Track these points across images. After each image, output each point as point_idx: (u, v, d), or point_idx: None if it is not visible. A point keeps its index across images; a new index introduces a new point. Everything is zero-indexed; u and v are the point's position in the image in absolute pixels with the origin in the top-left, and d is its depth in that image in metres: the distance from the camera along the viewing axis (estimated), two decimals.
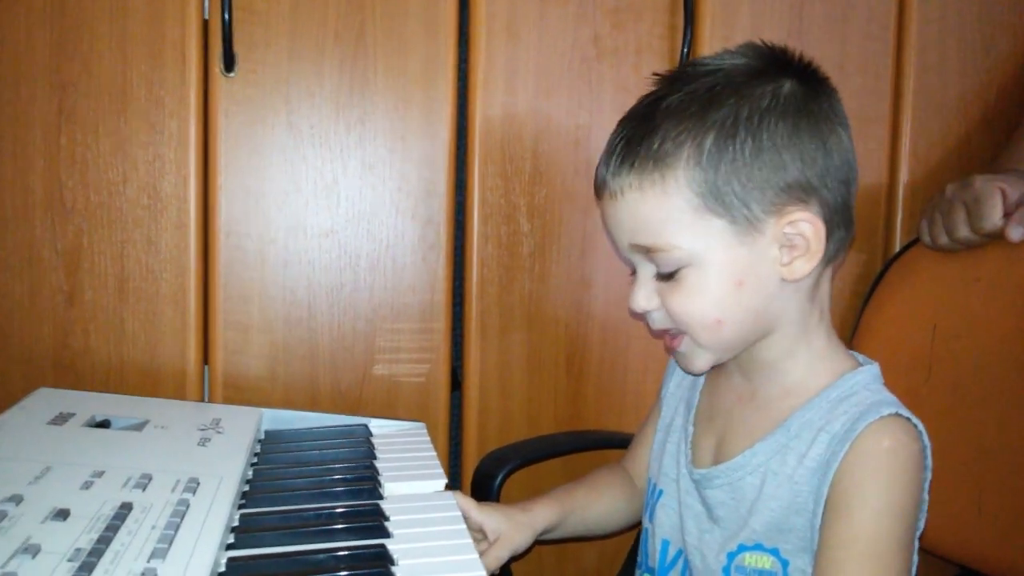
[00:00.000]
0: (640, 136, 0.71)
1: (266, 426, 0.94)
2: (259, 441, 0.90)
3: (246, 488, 0.76)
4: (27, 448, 0.74)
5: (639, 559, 0.87)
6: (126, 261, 1.01)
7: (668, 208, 0.69)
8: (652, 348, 1.15)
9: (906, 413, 0.70)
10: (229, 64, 1.01)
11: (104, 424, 0.84)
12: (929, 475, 0.72)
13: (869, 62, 1.17)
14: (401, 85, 1.06)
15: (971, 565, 0.99)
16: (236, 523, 0.68)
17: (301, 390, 1.06)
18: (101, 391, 0.99)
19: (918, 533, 0.72)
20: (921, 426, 0.71)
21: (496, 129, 1.08)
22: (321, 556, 0.62)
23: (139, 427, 0.84)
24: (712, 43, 1.12)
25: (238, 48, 1.02)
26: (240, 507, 0.72)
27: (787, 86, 0.70)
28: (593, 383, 1.13)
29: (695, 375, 0.78)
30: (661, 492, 0.84)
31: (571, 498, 0.87)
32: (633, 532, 1.06)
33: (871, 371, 0.76)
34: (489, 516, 0.80)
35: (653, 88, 0.75)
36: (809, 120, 0.70)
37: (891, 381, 1.06)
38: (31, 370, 1.00)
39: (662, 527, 0.83)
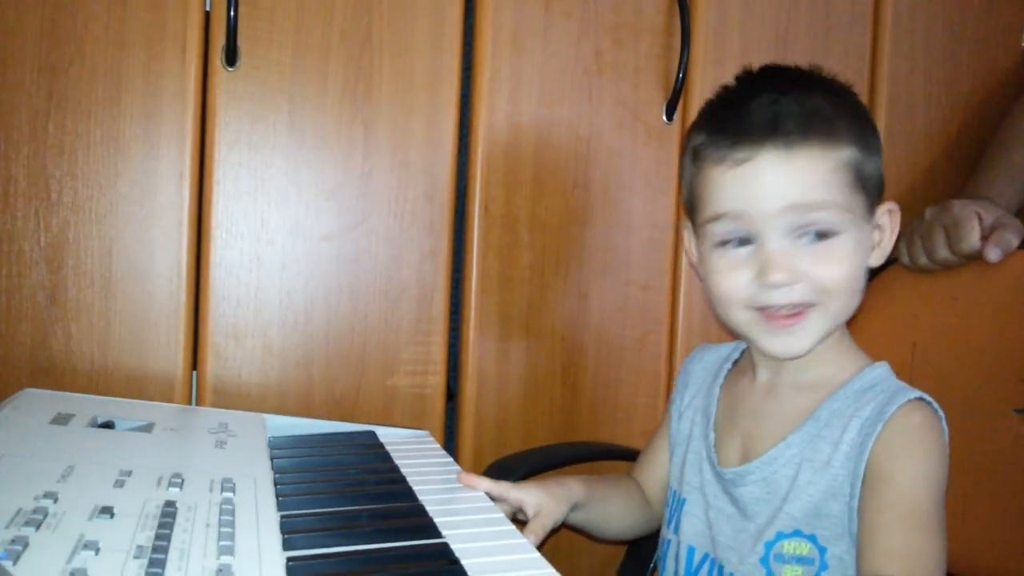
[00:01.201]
0: (803, 99, 0.74)
1: (271, 431, 0.90)
2: (268, 446, 0.86)
3: (274, 490, 0.72)
4: (39, 447, 0.69)
5: (660, 572, 0.87)
6: (114, 259, 0.96)
7: (838, 172, 0.73)
8: (644, 362, 1.16)
9: (929, 398, 0.75)
10: (231, 58, 0.98)
11: (108, 425, 0.79)
12: (948, 450, 0.76)
13: None
14: (406, 90, 1.04)
15: (956, 570, 1.03)
16: (279, 524, 0.65)
17: (295, 397, 1.02)
18: (84, 394, 0.93)
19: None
20: (941, 412, 0.76)
21: (499, 138, 1.08)
22: (385, 556, 0.59)
23: (147, 429, 0.79)
24: (705, 64, 1.16)
25: (241, 42, 0.98)
26: (277, 508, 0.68)
27: None
28: (588, 396, 1.13)
29: (794, 357, 0.77)
30: (684, 501, 0.85)
31: (598, 484, 0.88)
32: (621, 547, 1.06)
33: (886, 366, 0.80)
34: (528, 492, 0.80)
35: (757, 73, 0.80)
36: None
37: None
38: (5, 371, 0.93)
39: (687, 535, 0.84)
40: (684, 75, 1.14)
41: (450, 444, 1.10)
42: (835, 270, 0.73)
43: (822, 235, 0.73)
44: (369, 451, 0.85)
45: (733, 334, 0.83)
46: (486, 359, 1.09)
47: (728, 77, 1.16)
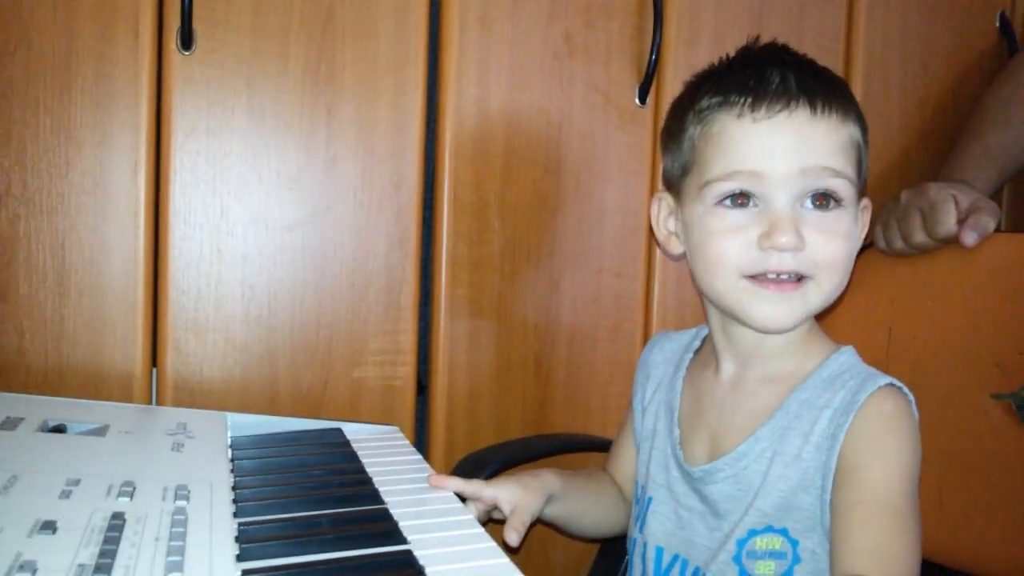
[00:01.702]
0: (820, 72, 0.75)
1: (230, 431, 0.87)
2: (229, 446, 0.83)
3: (232, 496, 0.69)
4: None
5: (628, 572, 0.85)
6: (68, 252, 0.92)
7: (850, 147, 0.74)
8: (618, 351, 1.14)
9: (899, 384, 0.73)
10: (187, 41, 0.94)
11: (60, 429, 0.75)
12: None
13: None
14: (370, 73, 1.01)
15: (932, 558, 1.03)
16: (236, 533, 0.62)
17: (259, 393, 0.99)
18: (38, 395, 0.89)
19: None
20: (912, 397, 0.74)
21: (467, 123, 1.05)
22: (343, 566, 0.57)
23: (100, 432, 0.76)
24: (678, 46, 1.14)
25: (197, 24, 0.94)
26: (234, 515, 0.65)
27: None
28: (561, 386, 1.11)
29: (778, 331, 0.74)
30: (651, 499, 0.83)
31: (571, 477, 0.86)
32: (593, 545, 1.05)
33: (852, 351, 0.79)
34: (503, 488, 0.78)
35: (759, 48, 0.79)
36: None
37: None
38: None
39: (654, 535, 0.82)
40: (657, 56, 1.11)
41: (421, 437, 1.07)
42: (837, 242, 0.72)
43: (824, 205, 0.72)
44: (335, 450, 0.83)
45: (712, 313, 0.81)
46: (457, 350, 1.06)
47: (702, 58, 1.14)
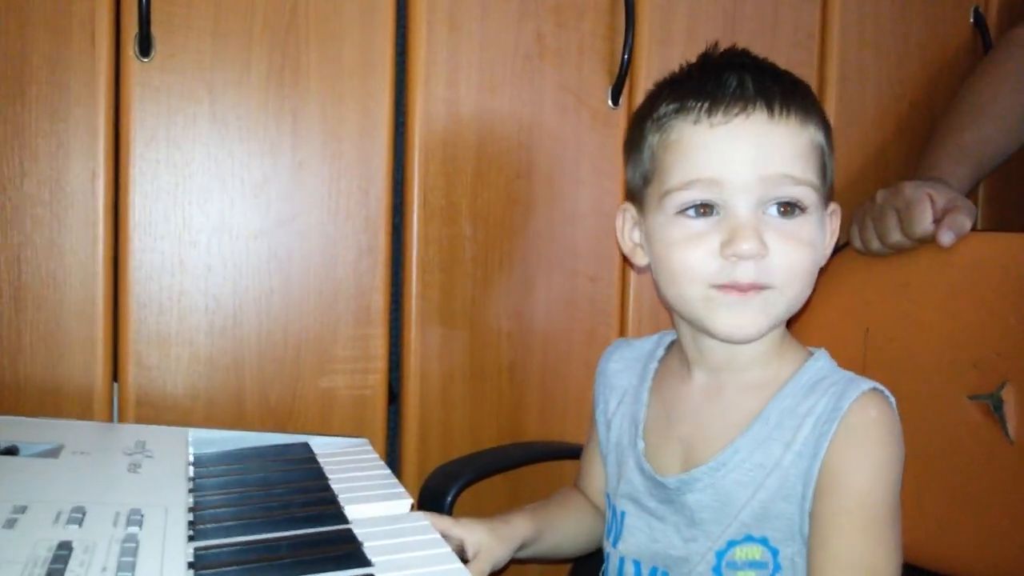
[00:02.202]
0: (780, 75, 0.73)
1: (193, 448, 0.85)
2: (190, 464, 0.81)
3: (190, 518, 0.67)
4: None
5: None
6: (24, 266, 0.89)
7: (811, 152, 0.72)
8: (593, 356, 1.11)
9: (881, 387, 0.73)
10: (145, 48, 0.91)
11: (11, 451, 0.73)
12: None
13: (795, 69, 1.17)
14: (336, 76, 0.99)
15: (912, 561, 1.02)
16: (191, 559, 0.60)
17: (225, 406, 0.96)
18: None
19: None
20: (893, 400, 0.73)
21: (437, 127, 1.03)
22: None
23: (54, 453, 0.73)
24: (651, 46, 1.12)
25: (155, 30, 0.92)
26: (190, 539, 0.63)
27: None
28: (536, 393, 1.09)
29: (743, 341, 0.73)
30: (624, 513, 0.81)
31: (545, 513, 0.84)
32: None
33: (825, 354, 0.78)
34: (470, 531, 0.76)
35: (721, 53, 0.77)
36: None
37: None
38: None
39: (630, 550, 0.80)
40: (629, 57, 1.10)
41: (393, 448, 1.05)
42: (800, 249, 0.71)
43: (788, 212, 0.71)
44: (300, 466, 0.80)
45: (680, 323, 0.80)
46: (428, 358, 1.04)
47: (675, 58, 1.12)
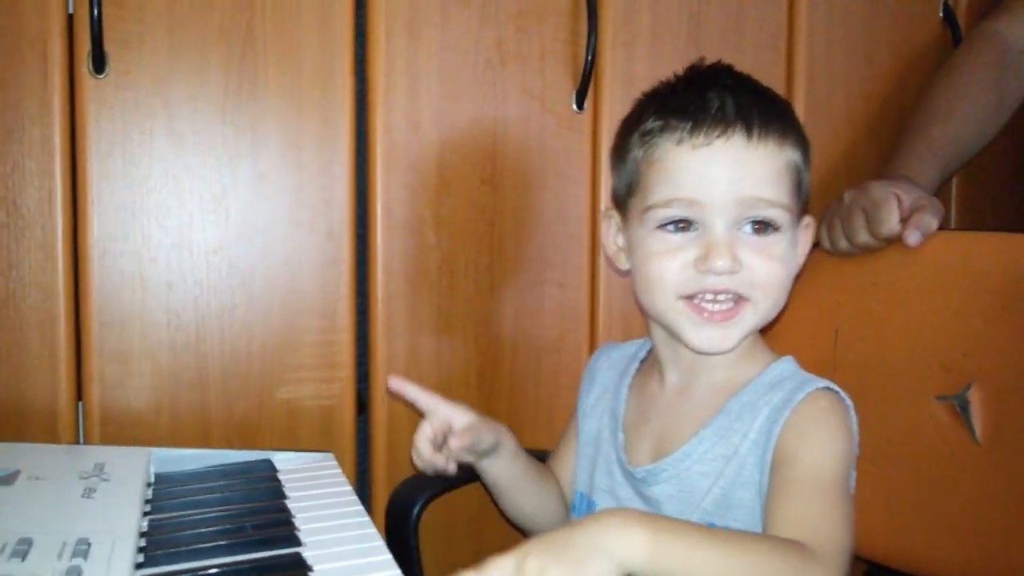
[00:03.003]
0: (761, 95, 0.76)
1: (155, 467, 0.85)
2: (149, 485, 0.81)
3: (143, 543, 0.67)
4: None
5: None
6: None
7: (786, 172, 0.75)
8: (563, 362, 1.12)
9: (836, 388, 0.76)
10: (99, 65, 0.91)
11: None
12: (857, 439, 0.76)
13: (763, 70, 1.16)
14: (295, 87, 0.98)
15: (881, 561, 1.02)
16: None
17: (191, 423, 0.96)
18: None
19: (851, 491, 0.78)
20: (849, 400, 0.76)
21: (399, 136, 1.02)
22: None
23: (9, 480, 0.73)
24: (615, 48, 1.11)
25: (109, 47, 0.91)
26: (138, 567, 0.63)
27: None
28: (506, 399, 1.09)
29: (719, 353, 0.77)
30: (593, 504, 0.84)
31: (530, 463, 0.88)
32: None
33: (792, 360, 0.81)
34: (459, 412, 0.80)
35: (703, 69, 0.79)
36: None
37: None
38: None
39: None
40: (593, 60, 1.09)
41: (363, 459, 1.05)
42: (773, 264, 0.74)
43: (762, 231, 0.74)
44: (260, 485, 0.80)
45: (654, 327, 0.81)
46: (396, 369, 1.03)
47: (640, 60, 1.13)
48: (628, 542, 0.56)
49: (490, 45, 1.05)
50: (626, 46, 1.12)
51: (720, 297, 0.74)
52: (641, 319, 0.84)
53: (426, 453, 0.80)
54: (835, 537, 0.66)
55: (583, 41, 1.09)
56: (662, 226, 0.75)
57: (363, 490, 1.05)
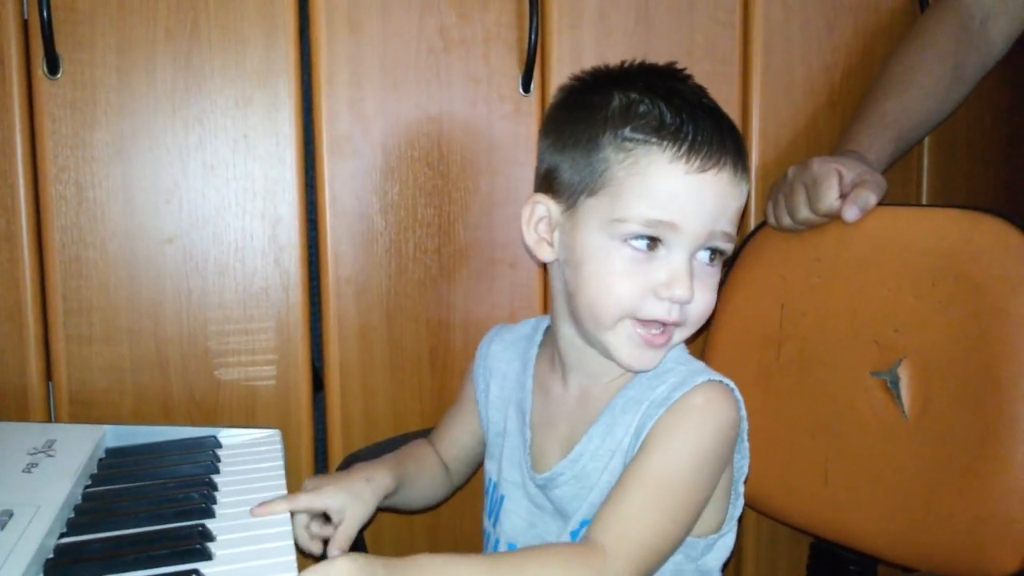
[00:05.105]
0: (734, 127, 0.76)
1: (111, 443, 0.91)
2: (100, 460, 0.87)
3: (72, 515, 0.73)
4: None
5: None
6: None
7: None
8: None
9: (718, 377, 0.76)
10: (53, 67, 0.96)
11: None
12: (745, 426, 0.78)
13: (716, 47, 1.19)
14: (240, 81, 1.02)
15: (820, 534, 1.04)
16: (51, 555, 0.66)
17: (153, 402, 1.03)
18: None
19: (742, 477, 0.80)
20: (733, 385, 0.76)
21: (343, 125, 1.06)
22: None
23: None
24: (560, 31, 1.12)
25: (61, 49, 0.97)
26: (61, 536, 0.69)
27: None
28: (457, 377, 1.13)
29: (647, 370, 0.77)
30: (503, 497, 0.85)
31: (404, 468, 0.89)
32: None
33: (682, 345, 0.81)
34: (330, 497, 0.80)
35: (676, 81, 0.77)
36: None
37: (744, 360, 1.10)
38: None
39: (507, 533, 0.84)
40: (538, 42, 1.11)
41: (320, 437, 1.11)
42: (710, 295, 0.76)
43: (713, 260, 0.76)
44: (199, 460, 0.86)
45: (566, 328, 0.81)
46: (348, 350, 1.08)
47: (587, 41, 1.14)
48: None
49: (432, 33, 1.08)
50: (572, 28, 1.13)
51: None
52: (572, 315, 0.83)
53: (305, 543, 0.82)
54: (640, 536, 0.68)
55: (527, 24, 1.10)
56: (628, 241, 0.72)
57: (321, 466, 1.11)
